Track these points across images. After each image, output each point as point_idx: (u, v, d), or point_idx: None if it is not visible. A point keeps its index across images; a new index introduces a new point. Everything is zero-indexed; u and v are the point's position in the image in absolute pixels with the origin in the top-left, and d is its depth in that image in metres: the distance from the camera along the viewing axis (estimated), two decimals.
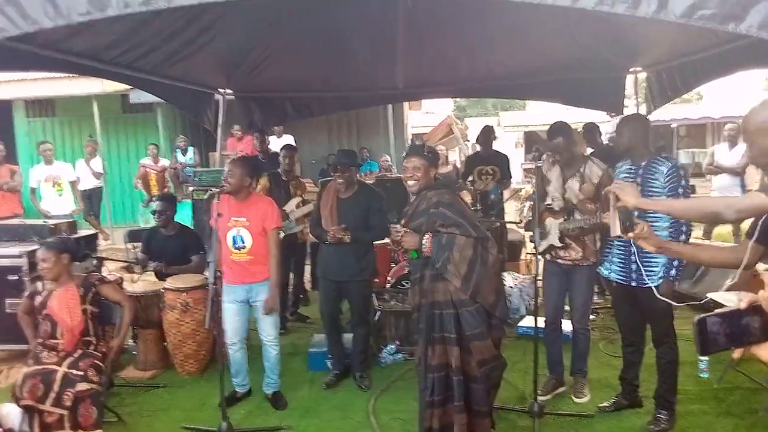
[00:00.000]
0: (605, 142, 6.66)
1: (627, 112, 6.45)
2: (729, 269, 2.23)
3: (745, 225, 2.21)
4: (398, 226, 3.20)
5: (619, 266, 3.40)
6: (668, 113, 16.31)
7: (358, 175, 4.38)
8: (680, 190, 3.18)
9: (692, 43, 4.40)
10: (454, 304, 2.99)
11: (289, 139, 9.08)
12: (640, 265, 3.23)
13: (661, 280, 3.23)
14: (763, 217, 2.05)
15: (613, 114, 7.04)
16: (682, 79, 5.12)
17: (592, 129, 6.20)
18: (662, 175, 3.23)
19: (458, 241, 2.99)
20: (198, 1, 2.30)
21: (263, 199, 4.03)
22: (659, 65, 5.34)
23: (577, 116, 10.78)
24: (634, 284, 3.34)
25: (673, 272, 3.23)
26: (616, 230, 2.20)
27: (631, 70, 5.86)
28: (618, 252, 3.40)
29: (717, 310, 1.04)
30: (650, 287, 3.07)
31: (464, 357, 3.00)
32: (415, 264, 3.20)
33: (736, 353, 1.26)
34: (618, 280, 3.45)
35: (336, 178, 4.15)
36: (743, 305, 0.97)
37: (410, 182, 3.18)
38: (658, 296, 2.74)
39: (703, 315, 1.02)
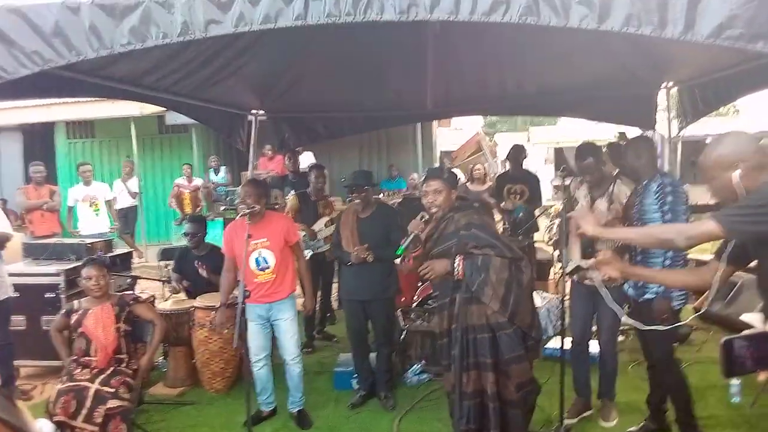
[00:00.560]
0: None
1: (659, 128, 6.38)
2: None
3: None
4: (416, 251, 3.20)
5: (630, 282, 3.39)
6: (703, 128, 15.86)
7: (385, 193, 4.44)
8: (666, 207, 3.17)
9: (725, 58, 4.33)
10: (491, 327, 2.95)
11: (309, 156, 9.14)
12: (636, 282, 3.27)
13: (655, 296, 3.21)
14: (732, 241, 2.11)
15: (647, 130, 6.91)
16: (715, 94, 5.04)
17: (615, 148, 6.05)
18: (652, 193, 3.24)
19: (494, 262, 2.96)
20: (233, 30, 2.38)
21: (277, 216, 4.12)
22: (692, 80, 5.26)
23: (609, 131, 10.64)
24: (636, 297, 3.35)
25: (662, 288, 3.18)
26: (576, 255, 2.33)
27: (663, 85, 5.80)
28: None
29: (744, 332, 1.02)
30: (646, 300, 3.23)
31: (501, 381, 2.96)
32: (443, 287, 3.13)
33: (762, 375, 1.23)
34: (633, 296, 3.42)
35: (353, 199, 4.19)
36: None
37: (432, 208, 3.14)
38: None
39: (730, 336, 1.00)
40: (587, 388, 3.89)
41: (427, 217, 3.13)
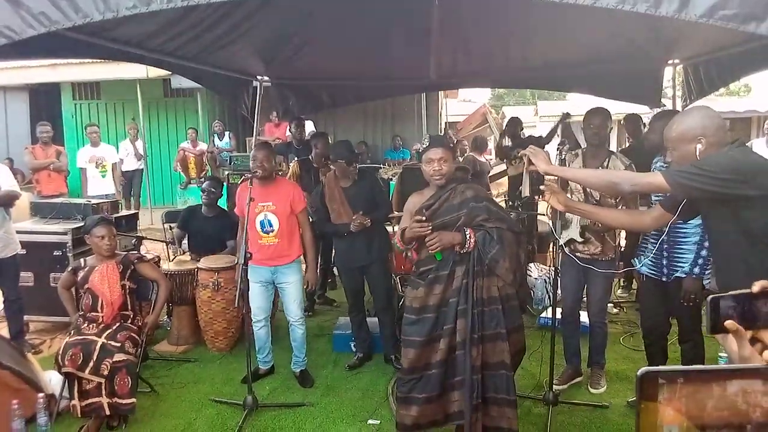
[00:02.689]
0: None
1: (665, 105, 6.37)
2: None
3: None
4: (423, 221, 2.96)
5: (652, 260, 3.41)
6: (713, 106, 15.75)
7: (388, 163, 4.50)
8: None
9: (729, 36, 4.32)
10: (501, 299, 2.92)
11: (309, 125, 9.13)
12: (669, 260, 3.28)
13: (685, 276, 3.24)
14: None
15: (653, 107, 6.90)
16: (718, 72, 5.04)
17: (635, 120, 6.04)
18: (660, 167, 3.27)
19: (506, 236, 2.95)
20: None
21: (286, 183, 4.19)
22: (697, 58, 5.26)
23: (616, 108, 10.57)
24: (665, 279, 3.36)
25: (696, 269, 3.21)
26: (526, 191, 2.43)
27: (669, 62, 5.78)
28: (651, 246, 3.41)
29: (732, 292, 1.08)
30: (675, 279, 3.23)
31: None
32: (443, 260, 2.98)
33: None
34: (649, 274, 3.45)
35: (342, 170, 4.26)
36: (756, 289, 1.03)
37: (436, 176, 3.01)
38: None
39: (717, 295, 1.06)
40: (577, 356, 4.01)
41: (422, 222, 2.96)
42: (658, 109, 6.75)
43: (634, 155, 4.87)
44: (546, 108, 22.63)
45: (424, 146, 3.20)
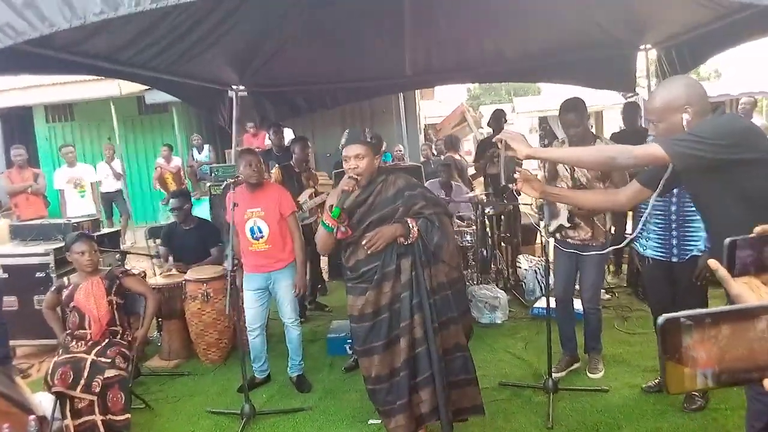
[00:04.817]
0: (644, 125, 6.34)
1: (640, 92, 6.43)
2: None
3: None
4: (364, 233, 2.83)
5: (658, 242, 3.36)
6: None
7: None
8: None
9: (699, 16, 4.39)
10: (449, 284, 2.89)
11: (289, 133, 9.10)
12: (679, 240, 3.23)
13: (700, 253, 3.17)
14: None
15: (629, 95, 6.96)
16: (690, 53, 5.12)
17: (632, 107, 6.04)
18: None
19: (444, 220, 2.93)
20: None
21: (274, 187, 4.14)
22: (668, 41, 5.33)
23: (593, 100, 10.68)
24: (675, 260, 3.29)
25: (704, 245, 3.15)
26: (502, 180, 2.33)
27: (641, 48, 5.85)
28: (656, 228, 3.36)
29: (750, 235, 1.07)
30: (691, 257, 3.17)
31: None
32: (385, 256, 2.82)
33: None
34: (655, 256, 3.39)
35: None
36: (758, 229, 1.02)
37: (353, 174, 2.82)
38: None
39: (734, 238, 1.05)
40: (572, 342, 3.98)
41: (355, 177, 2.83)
42: (632, 97, 6.83)
43: (629, 140, 4.90)
44: (523, 104, 22.86)
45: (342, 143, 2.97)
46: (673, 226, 3.27)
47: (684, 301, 3.32)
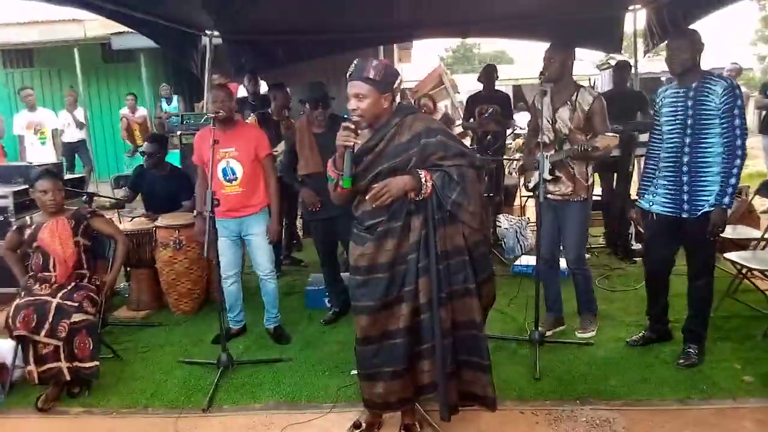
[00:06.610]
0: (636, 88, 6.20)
1: (626, 53, 6.35)
2: None
3: None
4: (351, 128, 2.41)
5: (666, 197, 3.22)
6: (658, 65, 16.16)
7: None
8: (736, 111, 2.97)
9: None
10: (468, 249, 2.49)
11: (262, 86, 8.79)
12: (691, 194, 3.11)
13: (713, 208, 3.04)
14: None
15: (605, 65, 6.89)
16: (684, 13, 5.00)
17: (624, 67, 5.87)
18: (717, 96, 2.99)
19: (468, 174, 2.47)
20: None
21: (250, 127, 3.92)
22: (659, 0, 5.21)
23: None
24: (685, 215, 3.15)
25: (726, 199, 3.01)
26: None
27: (630, 8, 5.74)
28: (665, 183, 3.22)
29: None
30: (703, 213, 3.06)
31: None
32: (393, 210, 2.47)
33: None
34: (663, 212, 3.25)
35: (317, 115, 3.95)
36: None
37: (354, 116, 2.45)
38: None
39: None
40: (557, 303, 3.85)
41: (353, 124, 2.42)
42: (606, 68, 6.76)
43: (617, 101, 4.79)
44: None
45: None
46: (685, 179, 3.12)
47: (694, 256, 3.26)
